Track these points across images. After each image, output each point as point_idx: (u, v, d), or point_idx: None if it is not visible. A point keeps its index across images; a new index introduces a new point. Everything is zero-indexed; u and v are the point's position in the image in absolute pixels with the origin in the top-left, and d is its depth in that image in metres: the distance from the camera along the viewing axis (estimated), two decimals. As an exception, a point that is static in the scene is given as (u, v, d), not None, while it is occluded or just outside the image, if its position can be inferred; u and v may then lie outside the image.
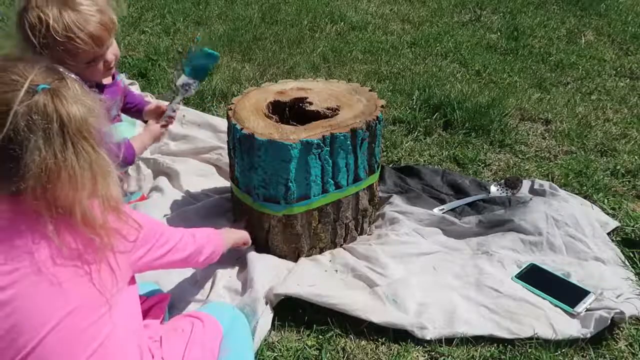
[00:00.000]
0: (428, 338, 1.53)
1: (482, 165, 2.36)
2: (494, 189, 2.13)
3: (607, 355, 1.50)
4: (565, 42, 3.68)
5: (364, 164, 1.77)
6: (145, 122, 1.98)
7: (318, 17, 4.02)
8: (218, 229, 1.54)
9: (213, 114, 2.65)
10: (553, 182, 2.19)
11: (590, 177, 2.25)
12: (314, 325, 1.58)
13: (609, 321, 1.52)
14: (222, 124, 2.42)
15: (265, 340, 1.53)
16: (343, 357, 1.51)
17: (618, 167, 2.32)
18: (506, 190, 2.12)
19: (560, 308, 1.61)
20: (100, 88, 1.71)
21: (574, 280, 1.71)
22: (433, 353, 1.51)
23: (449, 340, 1.53)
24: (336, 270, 1.75)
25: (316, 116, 1.80)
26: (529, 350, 1.50)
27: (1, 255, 0.93)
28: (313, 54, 3.42)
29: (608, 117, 2.74)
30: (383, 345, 1.54)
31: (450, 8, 4.31)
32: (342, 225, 1.83)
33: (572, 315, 1.59)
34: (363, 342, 1.54)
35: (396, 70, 3.25)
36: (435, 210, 2.01)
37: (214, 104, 2.79)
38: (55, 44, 1.43)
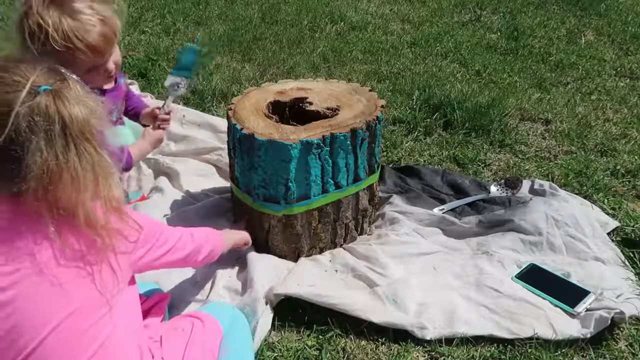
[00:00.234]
0: (428, 338, 1.53)
1: (482, 165, 2.36)
2: (494, 189, 2.13)
3: (607, 356, 1.51)
4: (565, 42, 3.68)
5: (364, 164, 1.77)
6: (144, 125, 1.97)
7: (318, 17, 4.01)
8: (218, 230, 1.54)
9: (213, 114, 2.65)
10: (553, 182, 2.19)
11: (590, 177, 2.25)
12: (314, 325, 1.58)
13: (609, 321, 1.53)
14: (222, 124, 2.42)
15: (265, 340, 1.53)
16: (343, 357, 1.51)
17: (618, 167, 2.32)
18: (506, 190, 2.12)
19: (560, 308, 1.61)
20: (102, 92, 1.69)
21: (574, 280, 1.71)
22: (433, 353, 1.51)
23: (449, 340, 1.53)
24: (336, 270, 1.75)
25: (316, 116, 1.80)
26: (529, 350, 1.50)
27: (2, 256, 0.92)
28: (313, 54, 3.42)
29: (608, 117, 2.75)
30: (383, 345, 1.54)
31: (450, 8, 4.31)
32: (342, 225, 1.83)
33: (572, 315, 1.59)
34: (363, 342, 1.55)
35: (396, 70, 3.25)
36: (435, 210, 2.01)
37: (214, 104, 2.79)
38: (53, 52, 1.40)
